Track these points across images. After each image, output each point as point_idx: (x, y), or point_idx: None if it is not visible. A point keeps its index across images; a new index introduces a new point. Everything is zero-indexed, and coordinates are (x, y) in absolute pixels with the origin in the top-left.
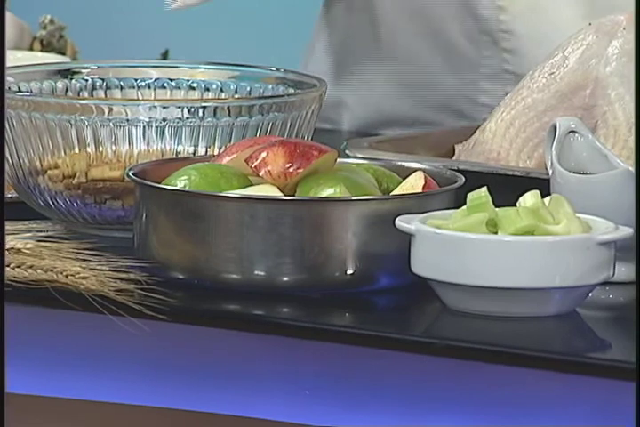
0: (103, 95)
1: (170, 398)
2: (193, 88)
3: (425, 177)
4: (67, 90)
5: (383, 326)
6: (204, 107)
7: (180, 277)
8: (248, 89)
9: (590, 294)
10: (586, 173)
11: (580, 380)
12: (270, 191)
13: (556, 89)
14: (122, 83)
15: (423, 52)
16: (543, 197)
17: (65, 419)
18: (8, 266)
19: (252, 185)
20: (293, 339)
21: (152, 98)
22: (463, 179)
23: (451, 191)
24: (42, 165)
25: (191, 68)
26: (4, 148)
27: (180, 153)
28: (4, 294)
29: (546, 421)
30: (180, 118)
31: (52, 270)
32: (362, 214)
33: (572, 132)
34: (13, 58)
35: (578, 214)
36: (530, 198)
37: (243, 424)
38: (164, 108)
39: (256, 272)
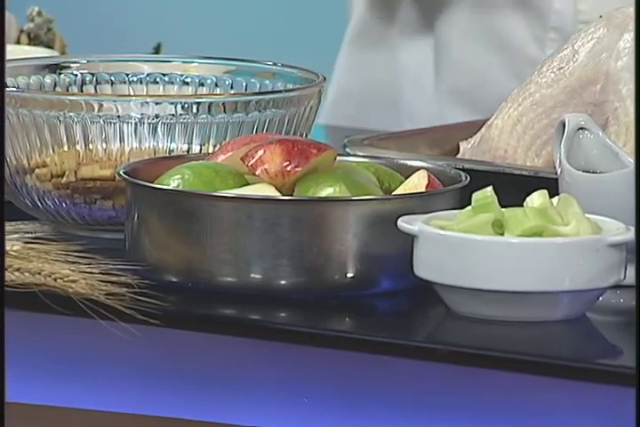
0: (93, 91)
1: (163, 406)
2: (187, 83)
3: (428, 176)
4: (55, 85)
5: (384, 331)
6: (199, 103)
7: (174, 280)
8: (244, 84)
9: (600, 298)
10: (596, 172)
11: (590, 387)
12: (267, 191)
13: (565, 84)
14: (112, 78)
15: (480, 54)
16: (551, 196)
17: None
18: None
19: (248, 184)
20: (291, 344)
21: (144, 93)
22: (468, 178)
23: (455, 191)
24: (29, 164)
25: (185, 62)
26: (4, 148)
27: (173, 151)
28: (4, 298)
29: None
30: (173, 115)
31: (39, 273)
32: (362, 215)
33: (582, 129)
34: None
35: (587, 215)
36: (537, 198)
37: None
38: (156, 104)
39: (252, 275)
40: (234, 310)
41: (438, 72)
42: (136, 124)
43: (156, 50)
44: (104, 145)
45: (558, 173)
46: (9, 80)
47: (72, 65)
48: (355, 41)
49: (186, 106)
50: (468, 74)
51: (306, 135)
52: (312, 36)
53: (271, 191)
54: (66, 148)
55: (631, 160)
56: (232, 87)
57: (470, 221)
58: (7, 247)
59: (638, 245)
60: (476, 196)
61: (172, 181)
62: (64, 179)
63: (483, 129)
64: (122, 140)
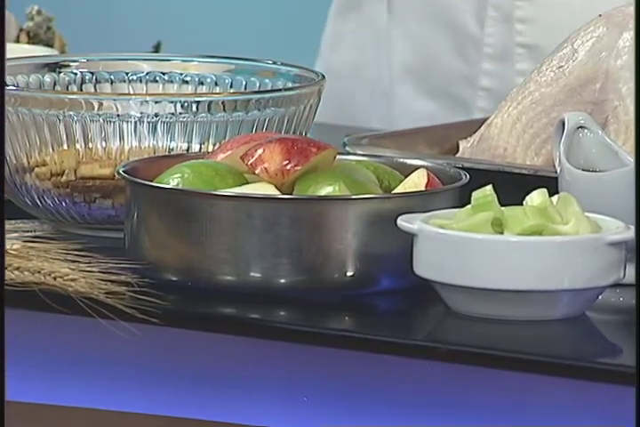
0: (93, 89)
1: (162, 405)
2: (186, 82)
3: (428, 175)
4: (55, 84)
5: (384, 330)
6: (198, 102)
7: (173, 279)
8: (244, 83)
9: (600, 297)
10: (595, 171)
11: (590, 386)
12: (267, 190)
13: (564, 83)
14: (112, 76)
15: (423, 29)
16: (551, 195)
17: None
18: None
19: (247, 183)
20: (291, 343)
21: (144, 92)
22: (468, 177)
23: (455, 190)
24: (29, 163)
25: (184, 61)
26: (4, 147)
27: (172, 150)
28: (4, 297)
29: None
30: (172, 114)
31: (39, 272)
32: (362, 214)
33: (581, 127)
34: None
35: (587, 214)
36: (537, 197)
37: None
38: (156, 102)
39: (252, 274)
40: (233, 309)
41: (390, 45)
42: (136, 122)
43: (156, 48)
44: (104, 144)
45: (558, 171)
46: (8, 79)
47: (71, 64)
48: (338, 14)
49: (185, 105)
50: (416, 48)
51: (305, 134)
52: (312, 35)
53: (271, 190)
54: (65, 146)
55: (631, 159)
56: (232, 86)
57: (470, 220)
58: (7, 246)
59: (638, 243)
60: (475, 194)
61: (172, 180)
62: (64, 177)
63: (482, 128)
64: (121, 138)
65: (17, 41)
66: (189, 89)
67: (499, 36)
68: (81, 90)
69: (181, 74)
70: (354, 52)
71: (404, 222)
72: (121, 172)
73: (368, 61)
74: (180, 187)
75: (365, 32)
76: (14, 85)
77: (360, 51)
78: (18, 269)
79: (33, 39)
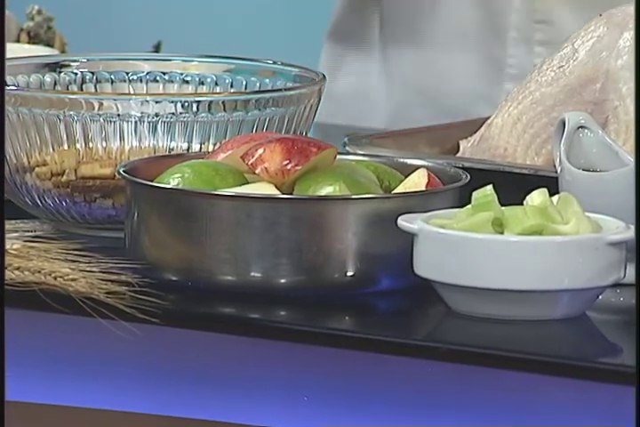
0: (93, 89)
1: (162, 405)
2: (186, 82)
3: (428, 174)
4: (55, 84)
5: (384, 330)
6: (199, 101)
7: (174, 278)
8: (244, 83)
9: (600, 297)
10: (596, 171)
11: (590, 386)
12: (267, 189)
13: (565, 83)
14: (112, 76)
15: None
16: (551, 195)
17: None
18: None
19: (248, 183)
20: (291, 343)
21: (144, 92)
22: (468, 176)
23: (455, 189)
24: (29, 162)
25: (185, 61)
26: (4, 146)
27: (173, 150)
28: (4, 297)
29: None
30: (173, 113)
31: (39, 272)
32: (362, 213)
33: (582, 127)
34: None
35: (587, 213)
36: (537, 197)
37: None
38: (156, 102)
39: (252, 274)
40: (233, 309)
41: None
42: (136, 122)
43: (156, 48)
44: (104, 144)
45: (558, 171)
46: (9, 79)
47: (72, 63)
48: (334, 36)
49: (186, 104)
50: (430, 70)
51: (306, 134)
52: (312, 35)
53: (271, 190)
54: (66, 146)
55: (631, 159)
56: (232, 86)
57: (470, 220)
58: (7, 246)
59: (638, 243)
60: (475, 194)
61: (172, 180)
62: (64, 177)
63: (482, 128)
64: (122, 138)
65: (17, 41)
66: (190, 89)
67: (521, 56)
68: (81, 90)
69: (182, 74)
70: (355, 79)
71: (404, 222)
72: (121, 171)
73: (373, 87)
74: (180, 187)
75: (365, 57)
76: (14, 85)
77: (363, 77)
78: (18, 268)
79: (33, 39)
